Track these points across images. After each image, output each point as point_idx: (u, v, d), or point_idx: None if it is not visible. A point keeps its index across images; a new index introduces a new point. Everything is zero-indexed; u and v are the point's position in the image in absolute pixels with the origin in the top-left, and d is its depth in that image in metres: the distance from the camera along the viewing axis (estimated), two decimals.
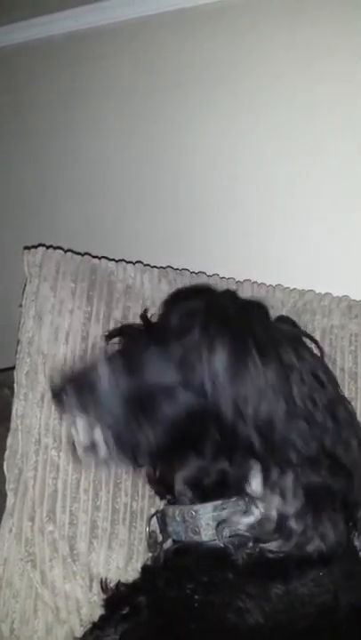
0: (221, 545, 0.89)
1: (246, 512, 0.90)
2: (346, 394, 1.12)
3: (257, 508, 0.89)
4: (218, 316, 0.91)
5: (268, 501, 0.88)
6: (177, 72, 1.50)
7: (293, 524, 0.86)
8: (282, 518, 0.86)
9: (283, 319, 1.09)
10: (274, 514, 0.88)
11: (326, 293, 1.25)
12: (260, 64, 1.40)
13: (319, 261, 1.38)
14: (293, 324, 1.08)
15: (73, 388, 0.85)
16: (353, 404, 1.10)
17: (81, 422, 0.84)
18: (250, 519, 0.89)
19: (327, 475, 0.87)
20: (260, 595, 0.79)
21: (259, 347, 0.89)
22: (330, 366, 1.09)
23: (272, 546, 0.87)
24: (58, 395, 0.86)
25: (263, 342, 0.90)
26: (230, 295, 1.03)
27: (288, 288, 1.26)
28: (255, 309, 0.99)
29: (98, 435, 0.84)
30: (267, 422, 0.85)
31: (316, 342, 1.06)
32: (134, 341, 0.96)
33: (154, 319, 1.13)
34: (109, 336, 1.05)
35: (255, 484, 0.89)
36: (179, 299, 1.04)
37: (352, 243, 1.35)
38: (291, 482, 0.86)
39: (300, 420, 0.87)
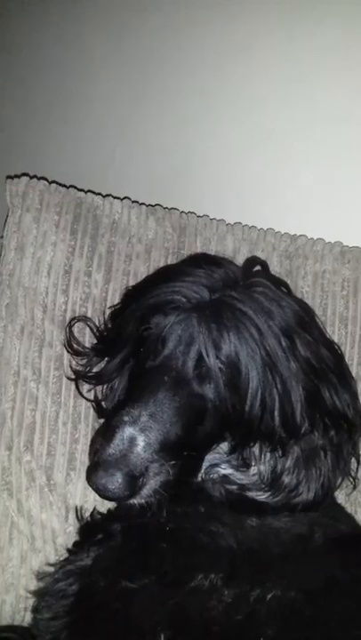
0: (200, 480, 0.89)
1: (242, 467, 0.91)
2: (336, 338, 1.11)
3: (255, 465, 0.90)
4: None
5: (264, 458, 0.89)
6: (171, 8, 1.44)
7: (286, 478, 0.87)
8: (276, 474, 0.88)
9: (253, 261, 1.07)
10: (267, 469, 0.89)
11: (319, 239, 1.22)
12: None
13: (311, 207, 1.34)
14: (263, 265, 1.06)
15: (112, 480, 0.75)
16: (343, 347, 1.09)
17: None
18: (244, 473, 0.91)
19: (321, 432, 0.89)
20: (234, 523, 0.79)
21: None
22: (317, 311, 1.09)
23: (258, 496, 0.88)
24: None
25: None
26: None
27: (280, 232, 1.23)
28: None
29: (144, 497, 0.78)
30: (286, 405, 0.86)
31: (286, 285, 1.04)
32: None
33: (138, 257, 1.12)
34: None
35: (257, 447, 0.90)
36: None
37: (345, 189, 1.30)
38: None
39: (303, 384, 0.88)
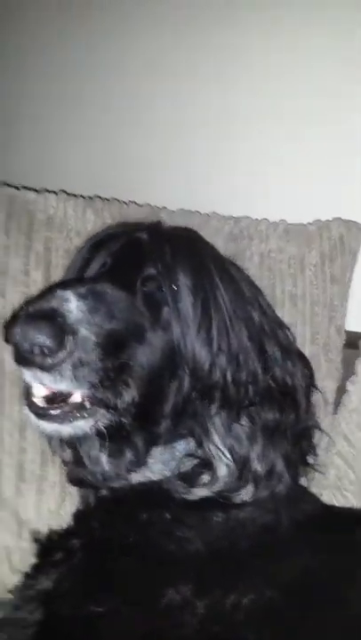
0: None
1: (206, 465, 0.81)
2: (287, 317, 1.07)
3: (217, 459, 0.80)
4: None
5: (228, 449, 0.81)
6: None
7: (257, 466, 0.79)
8: (244, 463, 0.79)
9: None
10: (231, 462, 0.80)
11: (263, 219, 1.19)
12: None
13: (254, 188, 1.31)
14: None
15: (38, 326, 0.65)
16: (294, 327, 1.06)
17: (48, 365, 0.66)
18: (213, 473, 0.81)
19: (278, 409, 0.83)
20: (200, 524, 0.75)
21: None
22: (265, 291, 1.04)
23: (241, 495, 0.79)
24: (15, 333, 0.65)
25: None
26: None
27: (223, 216, 1.20)
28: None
29: (69, 379, 0.67)
30: (231, 360, 0.79)
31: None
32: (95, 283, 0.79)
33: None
34: None
35: (216, 435, 0.81)
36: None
37: (286, 168, 1.28)
38: (248, 424, 0.80)
39: (253, 354, 0.83)
